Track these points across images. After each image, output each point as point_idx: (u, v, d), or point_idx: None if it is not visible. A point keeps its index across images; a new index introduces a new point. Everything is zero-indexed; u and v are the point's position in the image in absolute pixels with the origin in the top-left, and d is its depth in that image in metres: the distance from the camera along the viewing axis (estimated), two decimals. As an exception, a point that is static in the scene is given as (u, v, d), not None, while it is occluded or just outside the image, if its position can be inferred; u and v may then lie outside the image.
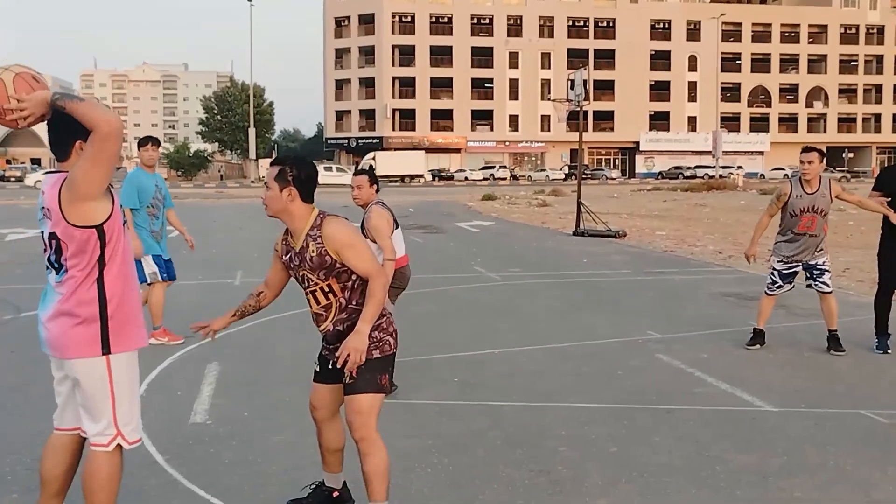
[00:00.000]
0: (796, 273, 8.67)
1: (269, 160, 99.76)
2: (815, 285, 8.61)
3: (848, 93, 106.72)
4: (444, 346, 8.95)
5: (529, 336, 9.49)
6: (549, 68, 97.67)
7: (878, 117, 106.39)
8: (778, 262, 8.69)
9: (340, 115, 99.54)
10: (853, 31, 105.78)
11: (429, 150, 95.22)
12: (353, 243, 4.16)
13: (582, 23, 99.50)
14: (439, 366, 8.10)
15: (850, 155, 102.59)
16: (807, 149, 8.57)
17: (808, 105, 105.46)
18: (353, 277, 4.21)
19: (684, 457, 5.52)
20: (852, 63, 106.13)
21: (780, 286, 8.71)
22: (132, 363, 3.89)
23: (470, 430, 6.10)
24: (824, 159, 8.53)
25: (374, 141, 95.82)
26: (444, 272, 15.01)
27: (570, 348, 8.91)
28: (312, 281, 4.25)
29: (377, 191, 7.15)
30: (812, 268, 8.56)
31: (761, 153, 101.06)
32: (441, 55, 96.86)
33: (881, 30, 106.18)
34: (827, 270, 8.58)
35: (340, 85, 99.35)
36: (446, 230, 25.27)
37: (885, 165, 10.00)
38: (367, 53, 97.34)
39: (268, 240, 21.74)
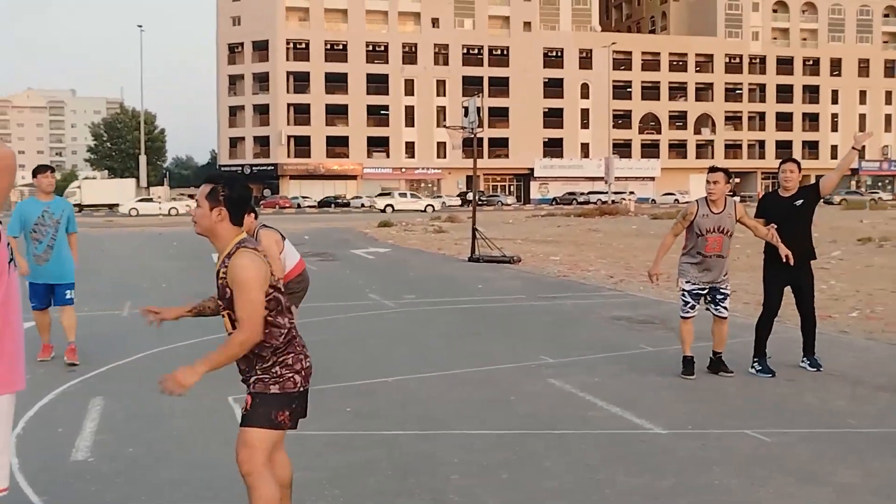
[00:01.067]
0: (703, 294, 8.67)
1: (161, 188, 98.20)
2: (715, 309, 8.65)
3: (734, 120, 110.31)
4: (336, 375, 8.84)
5: (424, 363, 9.45)
6: (445, 95, 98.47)
7: (762, 143, 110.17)
8: (686, 283, 8.65)
9: (234, 142, 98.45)
10: (737, 60, 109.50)
11: (325, 177, 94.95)
12: (245, 285, 3.94)
13: (476, 51, 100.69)
14: (331, 396, 7.99)
15: (737, 180, 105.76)
16: (713, 169, 8.69)
17: (697, 132, 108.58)
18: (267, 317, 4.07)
19: (575, 481, 5.54)
20: (737, 91, 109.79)
21: (694, 306, 8.65)
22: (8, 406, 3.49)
23: (362, 461, 6.02)
24: (730, 180, 8.68)
25: (269, 168, 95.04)
26: (337, 300, 14.89)
27: (465, 374, 8.90)
28: (220, 304, 4.14)
29: (256, 217, 7.22)
30: (716, 291, 8.60)
31: (652, 179, 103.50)
32: (336, 82, 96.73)
33: (763, 59, 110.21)
34: (728, 295, 8.69)
35: (234, 111, 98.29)
36: (341, 257, 25.11)
37: (766, 191, 10.12)
38: (262, 80, 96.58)
39: (158, 270, 21.26)
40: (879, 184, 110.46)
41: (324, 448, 6.36)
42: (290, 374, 4.14)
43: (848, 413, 7.17)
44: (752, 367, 8.77)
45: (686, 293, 8.65)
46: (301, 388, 4.19)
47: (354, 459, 6.06)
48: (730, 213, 8.51)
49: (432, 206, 77.08)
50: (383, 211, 72.54)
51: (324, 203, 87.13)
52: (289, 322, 4.16)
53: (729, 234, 8.49)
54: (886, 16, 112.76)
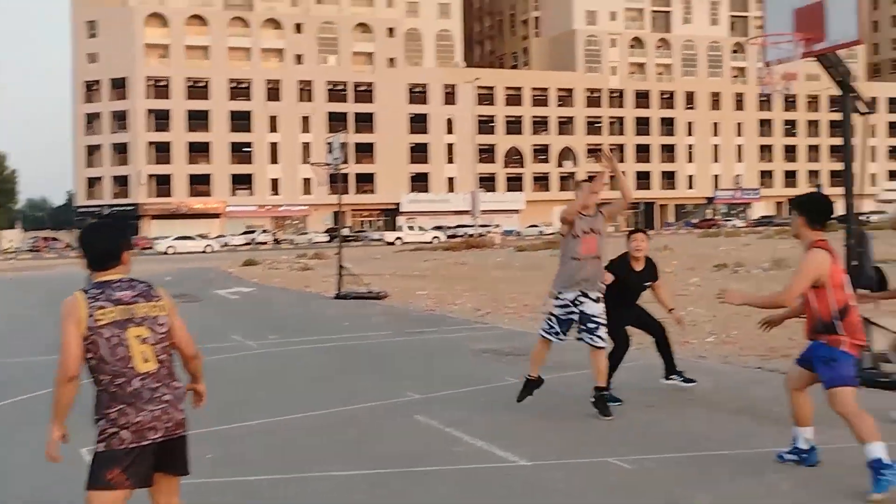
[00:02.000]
0: (572, 321, 8.23)
1: (13, 231, 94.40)
2: (590, 338, 8.16)
3: (595, 152, 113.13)
4: (196, 421, 8.53)
5: (288, 405, 9.24)
6: (310, 132, 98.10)
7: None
8: (556, 305, 8.28)
9: (92, 182, 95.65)
10: (597, 94, 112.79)
11: (187, 216, 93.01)
12: (60, 324, 3.98)
13: (341, 87, 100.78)
14: (191, 443, 7.69)
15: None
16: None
17: (559, 165, 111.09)
18: (90, 362, 4.01)
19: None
20: (597, 125, 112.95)
21: (557, 332, 8.25)
22: None
23: (220, 510, 5.80)
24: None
25: (130, 208, 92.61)
26: (198, 343, 14.46)
27: (329, 415, 8.73)
28: None
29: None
30: (588, 318, 8.15)
31: (517, 211, 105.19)
32: (198, 119, 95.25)
33: (621, 93, 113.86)
34: (603, 324, 8.18)
35: (92, 150, 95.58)
36: (203, 298, 24.53)
37: (620, 256, 9.88)
38: (120, 118, 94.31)
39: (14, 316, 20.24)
40: (733, 212, 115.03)
41: (183, 497, 6.09)
42: (115, 430, 3.95)
43: (706, 437, 7.32)
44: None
45: (553, 317, 8.31)
46: (131, 446, 3.97)
47: (212, 508, 5.84)
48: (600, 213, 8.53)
49: (438, 237, 79.95)
50: (392, 244, 75.24)
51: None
52: (115, 373, 3.98)
53: (601, 234, 8.35)
54: (735, 52, 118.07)
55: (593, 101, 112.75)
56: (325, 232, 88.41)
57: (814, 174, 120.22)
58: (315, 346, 14.03)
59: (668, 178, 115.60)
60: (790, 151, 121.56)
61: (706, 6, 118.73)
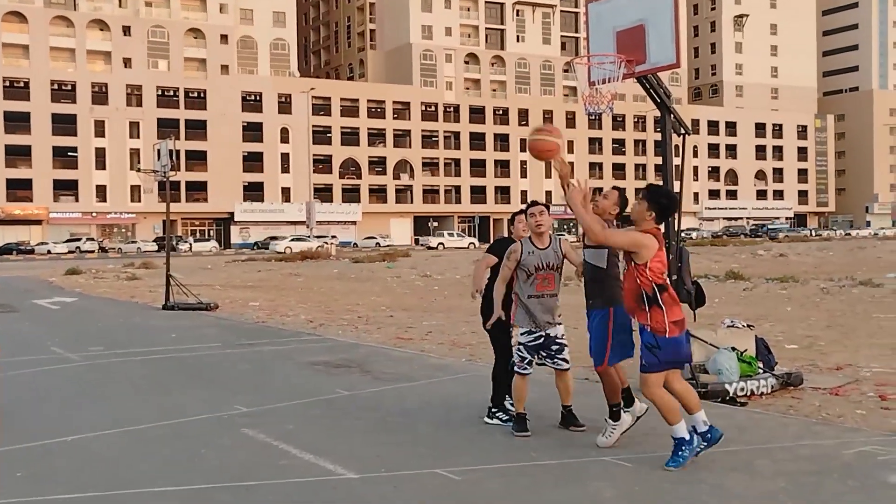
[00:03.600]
0: (540, 346, 7.91)
1: None
2: (554, 362, 7.97)
3: (431, 166, 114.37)
4: (6, 438, 8.12)
5: (108, 420, 8.88)
6: (139, 137, 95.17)
7: (458, 189, 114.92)
8: (523, 334, 7.93)
9: None
10: (433, 108, 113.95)
11: (5, 223, 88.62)
12: None
13: (172, 92, 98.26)
14: (0, 461, 7.31)
15: (436, 224, 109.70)
16: (533, 202, 8.22)
17: (396, 177, 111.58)
18: None
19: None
20: (433, 138, 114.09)
21: (531, 361, 7.97)
22: None
23: (32, 531, 5.52)
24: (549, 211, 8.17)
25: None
26: (14, 355, 13.79)
27: (153, 429, 8.45)
28: None
29: None
30: (552, 341, 7.90)
31: (354, 223, 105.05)
32: (17, 121, 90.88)
33: (457, 108, 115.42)
34: (566, 345, 7.97)
35: None
36: (21, 308, 23.40)
37: (499, 237, 9.85)
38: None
39: None
40: (565, 227, 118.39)
41: (-12, 520, 5.77)
42: None
43: (531, 446, 7.46)
44: (494, 416, 8.56)
45: (522, 347, 7.95)
46: None
47: (23, 530, 5.55)
48: (556, 249, 7.95)
49: (474, 243, 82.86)
50: (434, 248, 77.01)
51: (4, 250, 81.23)
52: None
53: (557, 269, 7.91)
54: (566, 70, 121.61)
55: (429, 114, 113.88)
56: (154, 241, 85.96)
57: (640, 192, 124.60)
58: (140, 358, 13.58)
59: (504, 193, 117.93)
60: (619, 169, 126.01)
61: (538, 26, 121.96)
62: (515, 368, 8.05)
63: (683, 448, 6.12)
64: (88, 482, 6.62)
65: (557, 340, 7.89)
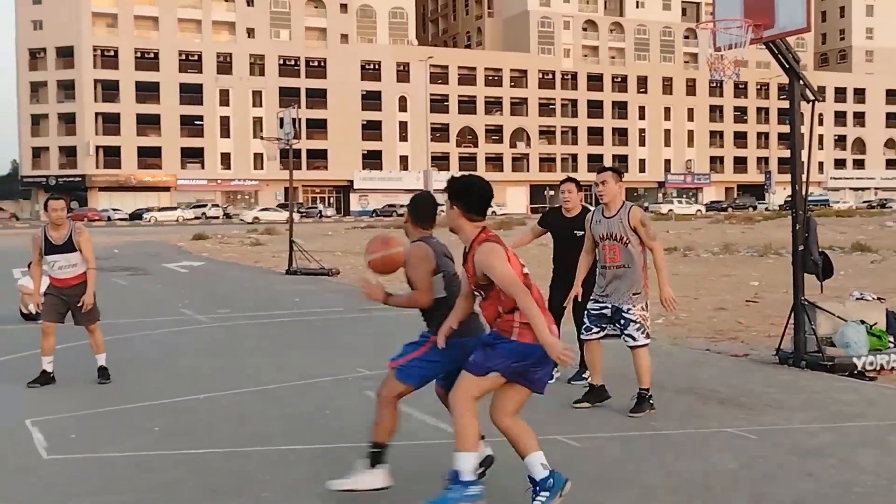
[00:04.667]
0: (606, 316, 7.65)
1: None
2: (622, 338, 7.63)
3: (547, 134, 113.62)
4: (143, 394, 8.50)
5: (237, 379, 9.21)
6: (261, 106, 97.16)
7: (574, 157, 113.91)
8: (591, 300, 7.76)
9: (38, 152, 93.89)
10: (550, 76, 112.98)
11: (136, 189, 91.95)
12: None
13: (293, 62, 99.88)
14: (137, 415, 7.67)
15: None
16: (601, 169, 7.85)
17: (512, 145, 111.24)
18: None
19: (388, 494, 5.49)
20: (550, 106, 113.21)
21: (590, 328, 7.73)
22: None
23: (169, 481, 5.79)
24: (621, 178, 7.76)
25: (77, 179, 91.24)
26: (146, 315, 14.36)
27: (279, 389, 8.72)
28: None
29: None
30: (619, 315, 7.56)
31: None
32: (148, 91, 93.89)
33: (574, 76, 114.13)
34: (634, 321, 7.51)
35: (38, 120, 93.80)
36: (152, 271, 24.30)
37: (551, 206, 9.61)
38: (67, 88, 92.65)
39: None
40: (684, 196, 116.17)
41: (128, 470, 6.07)
42: None
43: (652, 417, 7.42)
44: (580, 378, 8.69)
45: (587, 311, 7.80)
46: None
47: (161, 480, 5.82)
48: (621, 219, 7.53)
49: (701, 209, 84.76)
50: (665, 215, 77.52)
51: (135, 216, 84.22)
52: None
53: (624, 241, 7.50)
54: (687, 37, 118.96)
55: (546, 82, 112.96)
56: (276, 207, 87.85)
57: (763, 160, 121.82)
58: (265, 321, 13.98)
59: (621, 162, 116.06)
60: (740, 138, 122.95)
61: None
62: (580, 335, 7.99)
63: (454, 487, 4.94)
64: (219, 438, 6.90)
65: (625, 315, 7.49)
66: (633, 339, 7.50)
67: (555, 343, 4.75)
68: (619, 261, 7.52)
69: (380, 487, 5.43)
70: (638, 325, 7.50)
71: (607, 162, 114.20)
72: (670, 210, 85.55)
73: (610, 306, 7.59)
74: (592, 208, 8.11)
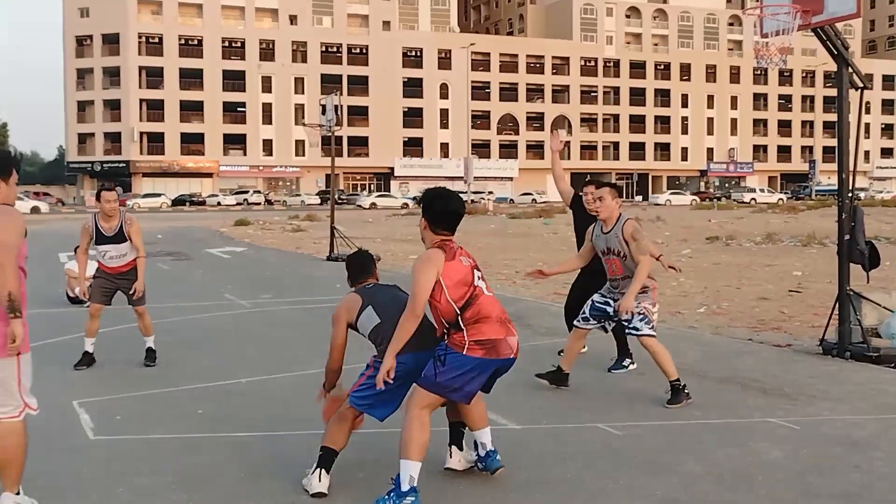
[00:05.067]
0: (606, 312, 7.80)
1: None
2: (628, 331, 7.79)
3: (589, 122, 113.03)
4: (188, 377, 8.60)
5: (279, 364, 9.29)
6: (303, 93, 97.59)
7: (616, 145, 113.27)
8: (598, 293, 7.92)
9: (84, 138, 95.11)
10: (592, 63, 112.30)
11: (179, 175, 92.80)
12: None
13: (335, 49, 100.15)
14: (183, 398, 7.76)
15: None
16: (599, 184, 8.04)
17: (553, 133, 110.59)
18: None
19: (419, 479, 5.52)
20: (592, 94, 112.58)
21: (587, 319, 7.88)
22: None
23: (213, 463, 5.87)
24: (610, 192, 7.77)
25: (121, 165, 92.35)
26: (190, 300, 14.51)
27: (320, 375, 8.73)
28: None
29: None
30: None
31: (510, 179, 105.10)
32: (191, 78, 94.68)
33: (617, 63, 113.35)
34: (638, 312, 7.50)
35: (83, 107, 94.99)
36: (195, 257, 24.53)
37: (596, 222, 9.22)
38: (112, 74, 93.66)
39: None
40: (727, 184, 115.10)
41: (173, 452, 6.16)
42: None
43: (694, 405, 7.38)
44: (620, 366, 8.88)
45: (591, 301, 7.93)
46: None
47: (205, 462, 5.90)
48: (617, 234, 7.62)
49: (783, 198, 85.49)
50: (748, 204, 78.54)
51: (179, 201, 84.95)
52: None
53: (622, 255, 7.59)
54: (731, 24, 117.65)
55: (588, 70, 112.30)
56: (317, 194, 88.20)
57: (807, 149, 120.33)
58: (308, 306, 14.07)
59: (663, 150, 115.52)
60: (784, 126, 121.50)
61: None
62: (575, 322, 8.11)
63: (392, 493, 5.02)
64: (262, 421, 6.97)
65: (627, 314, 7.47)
66: (638, 329, 7.55)
67: (386, 366, 5.19)
68: (620, 273, 7.69)
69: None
70: (641, 316, 7.52)
71: (649, 150, 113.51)
72: (752, 199, 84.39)
73: (612, 303, 7.72)
74: (625, 217, 7.84)
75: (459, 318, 5.15)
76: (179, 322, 12.12)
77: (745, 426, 6.75)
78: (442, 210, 5.33)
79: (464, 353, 5.12)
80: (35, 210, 65.08)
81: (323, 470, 5.38)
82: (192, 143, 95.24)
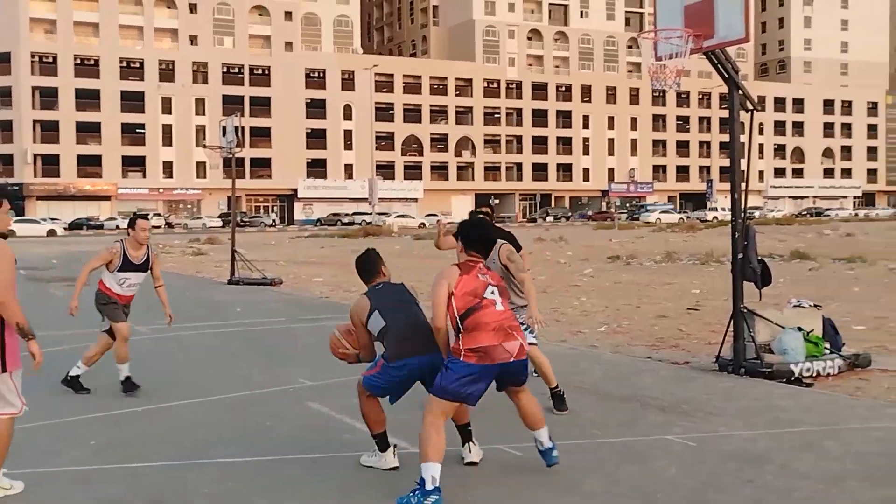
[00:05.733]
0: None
1: None
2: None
3: (492, 143, 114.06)
4: (80, 407, 8.35)
5: (176, 390, 9.10)
6: (204, 114, 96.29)
7: (519, 166, 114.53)
8: None
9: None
10: (495, 85, 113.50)
11: (76, 198, 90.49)
12: None
13: (237, 69, 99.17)
14: (73, 429, 7.53)
15: (496, 201, 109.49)
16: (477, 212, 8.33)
17: (458, 154, 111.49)
18: None
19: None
20: (495, 115, 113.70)
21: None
22: None
23: (107, 496, 5.68)
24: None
25: (14, 188, 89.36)
26: (88, 327, 14.07)
27: (220, 401, 8.62)
28: None
29: None
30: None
31: (415, 200, 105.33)
32: (88, 98, 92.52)
33: (519, 85, 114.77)
34: (524, 324, 7.57)
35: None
36: (92, 283, 23.81)
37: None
38: (4, 94, 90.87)
39: None
40: (627, 205, 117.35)
41: (66, 485, 5.95)
42: None
43: (594, 424, 7.45)
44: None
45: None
46: None
47: (99, 495, 5.71)
48: (493, 259, 7.73)
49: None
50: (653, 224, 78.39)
51: (75, 225, 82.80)
52: None
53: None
54: (630, 47, 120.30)
55: (492, 91, 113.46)
56: (219, 217, 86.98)
57: (705, 169, 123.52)
58: (207, 331, 13.83)
59: (565, 171, 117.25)
60: (683, 147, 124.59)
61: (602, 1, 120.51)
62: None
63: (417, 492, 5.37)
64: (157, 451, 6.79)
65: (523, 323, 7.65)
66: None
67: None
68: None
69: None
70: (524, 326, 7.65)
71: (551, 171, 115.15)
72: (715, 217, 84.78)
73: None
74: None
75: (460, 325, 5.68)
76: (72, 350, 11.76)
77: (644, 444, 6.84)
78: (478, 237, 6.06)
79: (461, 359, 5.62)
80: (51, 233, 67.63)
81: (390, 449, 6.23)
82: (90, 165, 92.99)
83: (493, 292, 5.79)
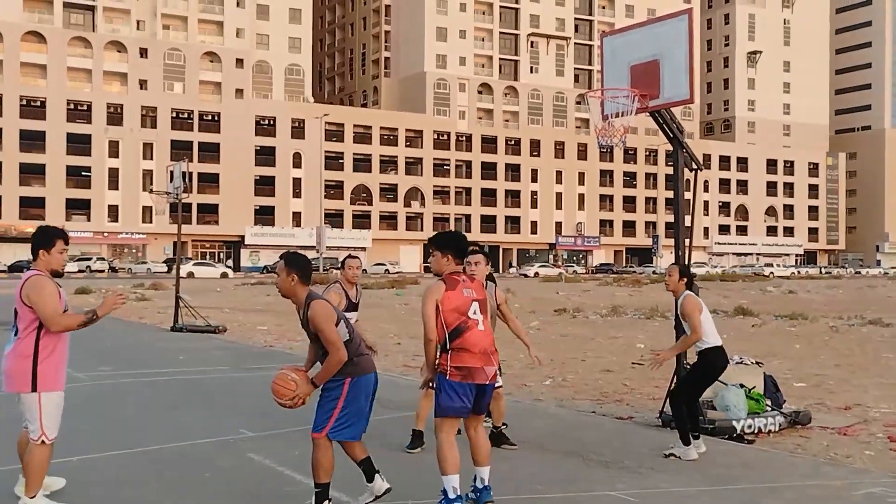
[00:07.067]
0: None
1: None
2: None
3: (441, 194, 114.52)
4: (7, 457, 8.11)
5: (113, 440, 8.89)
6: (152, 159, 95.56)
7: (468, 217, 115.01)
8: None
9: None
10: (445, 137, 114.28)
11: (17, 240, 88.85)
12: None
13: (186, 115, 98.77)
14: (1, 480, 7.31)
15: (487, 248, 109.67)
16: (473, 251, 8.10)
17: (407, 204, 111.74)
18: None
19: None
20: (445, 167, 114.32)
21: None
22: None
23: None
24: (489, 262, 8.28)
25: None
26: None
27: (158, 451, 8.44)
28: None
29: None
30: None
31: (364, 249, 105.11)
32: (32, 140, 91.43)
33: (469, 138, 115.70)
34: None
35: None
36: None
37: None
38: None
39: None
40: (574, 258, 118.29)
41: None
42: None
43: (536, 479, 7.42)
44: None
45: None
46: None
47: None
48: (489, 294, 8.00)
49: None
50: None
51: (16, 267, 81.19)
52: None
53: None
54: (579, 103, 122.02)
55: (441, 143, 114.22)
56: (164, 262, 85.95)
57: (651, 225, 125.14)
58: (148, 379, 13.59)
59: (513, 223, 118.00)
60: (629, 202, 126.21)
61: (552, 57, 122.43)
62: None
63: (442, 501, 6.04)
64: (92, 503, 6.61)
65: None
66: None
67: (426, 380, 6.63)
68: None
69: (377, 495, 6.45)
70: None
71: (500, 223, 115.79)
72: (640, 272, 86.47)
73: None
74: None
75: (448, 342, 6.13)
76: (4, 398, 11.47)
77: (586, 499, 6.82)
78: (452, 237, 6.45)
79: (447, 377, 6.12)
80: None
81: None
82: (32, 207, 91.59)
83: (475, 311, 6.24)
